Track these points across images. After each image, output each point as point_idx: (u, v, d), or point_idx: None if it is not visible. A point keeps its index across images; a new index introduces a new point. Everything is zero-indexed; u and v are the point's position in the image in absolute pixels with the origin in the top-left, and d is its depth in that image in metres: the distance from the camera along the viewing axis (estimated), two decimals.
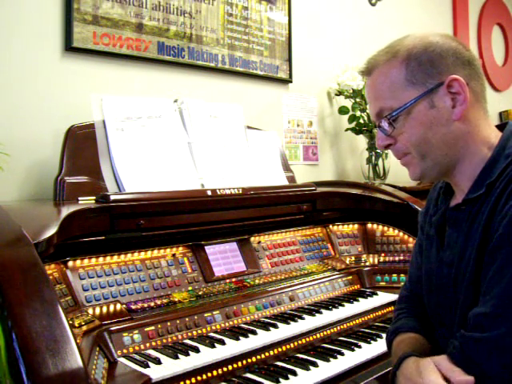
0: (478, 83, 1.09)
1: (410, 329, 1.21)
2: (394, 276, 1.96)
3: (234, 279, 1.69)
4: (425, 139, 1.07)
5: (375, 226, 2.13)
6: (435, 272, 1.16)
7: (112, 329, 1.29)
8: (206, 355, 1.29)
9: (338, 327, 1.63)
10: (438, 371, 0.94)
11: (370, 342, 1.55)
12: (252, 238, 1.85)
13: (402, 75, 1.07)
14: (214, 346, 1.33)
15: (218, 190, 1.68)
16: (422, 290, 1.24)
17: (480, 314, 0.95)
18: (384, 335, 1.58)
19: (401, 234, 2.08)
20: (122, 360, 1.24)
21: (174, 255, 1.61)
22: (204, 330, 1.44)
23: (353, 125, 2.90)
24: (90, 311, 1.33)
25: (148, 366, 1.20)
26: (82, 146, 1.69)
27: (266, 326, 1.48)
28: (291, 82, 2.79)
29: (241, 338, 1.40)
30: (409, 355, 1.07)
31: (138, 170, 1.70)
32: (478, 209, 1.05)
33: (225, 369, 1.30)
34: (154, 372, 1.18)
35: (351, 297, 1.80)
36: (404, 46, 1.09)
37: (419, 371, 0.97)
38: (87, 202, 1.53)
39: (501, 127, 1.12)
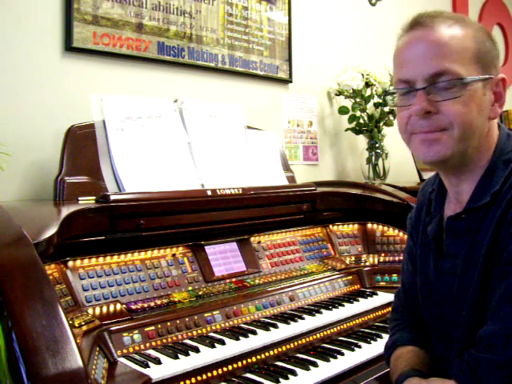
0: None
1: (408, 342, 1.19)
2: (394, 276, 1.96)
3: (233, 279, 1.69)
4: (474, 122, 0.99)
5: (375, 226, 2.13)
6: (434, 282, 1.12)
7: (112, 329, 1.29)
8: (206, 355, 1.29)
9: (338, 327, 1.62)
10: None
11: (369, 342, 1.54)
12: (252, 238, 1.85)
13: (473, 47, 0.99)
14: (214, 346, 1.33)
15: (217, 190, 1.68)
16: (416, 298, 1.21)
17: (492, 334, 0.91)
18: (384, 335, 1.59)
19: (401, 234, 2.07)
20: (122, 360, 1.24)
21: (174, 255, 1.61)
22: (204, 330, 1.44)
23: (353, 125, 2.90)
24: (90, 311, 1.33)
25: (148, 366, 1.20)
26: (81, 146, 1.69)
27: (266, 326, 1.48)
28: (291, 82, 2.78)
29: (241, 337, 1.40)
30: (409, 375, 1.05)
31: (138, 170, 1.70)
32: (481, 219, 1.00)
33: (225, 369, 1.30)
34: (154, 372, 1.18)
35: (351, 297, 1.80)
36: (474, 23, 1.03)
37: None
38: (87, 201, 1.53)
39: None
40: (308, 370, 1.34)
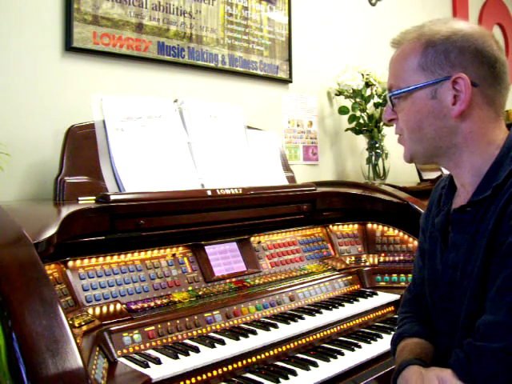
0: (493, 87, 1.05)
1: (414, 334, 1.20)
2: (394, 276, 1.96)
3: (233, 279, 1.69)
4: (419, 126, 1.09)
5: (375, 226, 2.13)
6: (440, 274, 1.14)
7: (112, 329, 1.29)
8: (206, 355, 1.29)
9: (338, 327, 1.63)
10: None
11: (369, 342, 1.55)
12: (252, 238, 1.85)
13: (416, 59, 1.07)
14: (214, 346, 1.33)
15: (217, 190, 1.68)
16: (425, 292, 1.22)
17: (491, 323, 0.92)
18: (384, 335, 1.60)
19: (401, 234, 2.08)
20: (122, 360, 1.24)
21: (174, 255, 1.61)
22: (204, 330, 1.44)
23: (353, 125, 2.89)
24: (90, 311, 1.33)
25: (148, 366, 1.21)
26: (81, 146, 1.69)
27: (265, 326, 1.48)
28: (291, 82, 2.78)
29: (241, 337, 1.40)
30: (411, 363, 1.06)
31: (138, 170, 1.70)
32: (484, 211, 1.03)
33: (225, 369, 1.30)
34: (154, 372, 1.18)
35: (351, 297, 1.80)
36: (430, 30, 1.08)
37: None
38: (87, 201, 1.53)
39: (508, 127, 1.10)
40: (308, 370, 1.34)
